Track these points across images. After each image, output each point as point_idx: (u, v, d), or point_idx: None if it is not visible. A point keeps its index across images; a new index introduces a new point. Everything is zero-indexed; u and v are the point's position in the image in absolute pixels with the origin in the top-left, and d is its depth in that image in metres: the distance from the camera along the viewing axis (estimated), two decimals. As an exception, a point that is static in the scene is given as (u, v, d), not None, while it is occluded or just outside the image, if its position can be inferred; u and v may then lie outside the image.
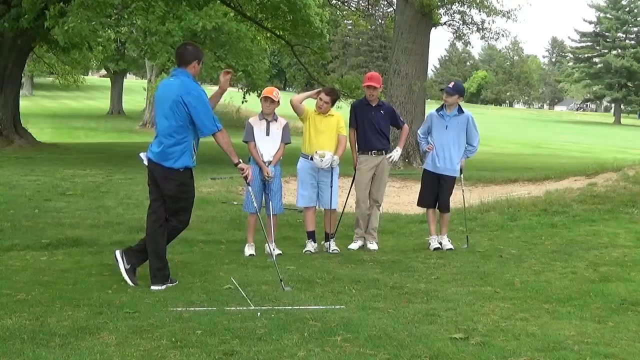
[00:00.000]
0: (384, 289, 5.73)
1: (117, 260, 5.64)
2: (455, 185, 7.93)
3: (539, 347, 4.24)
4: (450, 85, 7.82)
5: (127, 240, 6.97)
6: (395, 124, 7.91)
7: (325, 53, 24.05)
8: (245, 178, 5.88)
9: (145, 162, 5.63)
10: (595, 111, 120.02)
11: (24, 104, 27.75)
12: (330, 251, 7.36)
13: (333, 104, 7.51)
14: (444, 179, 7.71)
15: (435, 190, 7.77)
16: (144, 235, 5.83)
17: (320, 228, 7.62)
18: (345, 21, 33.69)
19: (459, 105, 7.77)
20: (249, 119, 7.50)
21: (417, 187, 12.86)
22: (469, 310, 5.10)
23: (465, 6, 18.93)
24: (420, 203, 8.01)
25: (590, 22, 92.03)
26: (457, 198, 8.38)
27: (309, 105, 7.60)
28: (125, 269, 5.60)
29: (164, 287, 5.51)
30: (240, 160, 5.70)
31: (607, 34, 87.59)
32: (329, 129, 7.41)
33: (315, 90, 7.67)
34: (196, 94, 5.44)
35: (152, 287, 5.48)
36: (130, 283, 5.55)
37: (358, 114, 7.71)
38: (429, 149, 7.75)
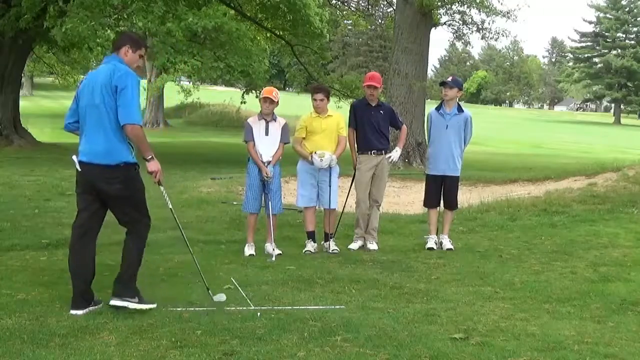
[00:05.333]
0: (384, 289, 5.73)
1: (120, 307, 4.80)
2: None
3: (539, 347, 4.25)
4: (449, 78, 7.84)
5: (122, 240, 6.95)
6: (395, 125, 7.90)
7: (325, 53, 24.03)
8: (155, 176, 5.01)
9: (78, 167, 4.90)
10: (595, 111, 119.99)
11: (24, 104, 27.74)
12: (330, 251, 7.36)
13: (328, 98, 7.50)
14: (448, 179, 7.71)
15: (440, 191, 7.78)
16: None
17: (320, 228, 7.62)
18: (345, 21, 33.69)
19: (459, 103, 7.78)
20: (248, 119, 7.50)
21: (417, 187, 12.95)
22: (469, 310, 5.11)
23: (465, 6, 18.92)
24: (426, 204, 8.02)
25: (590, 22, 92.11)
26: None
27: (305, 112, 7.60)
28: (136, 302, 4.85)
29: (84, 311, 4.79)
30: (153, 156, 4.88)
31: (607, 34, 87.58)
32: (329, 129, 7.41)
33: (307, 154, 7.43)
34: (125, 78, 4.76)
35: (71, 312, 4.77)
36: (150, 306, 4.89)
37: (358, 114, 7.70)
38: None
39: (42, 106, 47.57)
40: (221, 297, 5.20)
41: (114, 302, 4.79)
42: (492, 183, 13.97)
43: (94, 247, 5.00)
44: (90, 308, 4.86)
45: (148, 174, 4.92)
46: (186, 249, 7.17)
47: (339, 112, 7.81)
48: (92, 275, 4.96)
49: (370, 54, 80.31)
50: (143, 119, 40.62)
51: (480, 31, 19.54)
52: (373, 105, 7.70)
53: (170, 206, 5.33)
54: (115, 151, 4.74)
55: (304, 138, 7.44)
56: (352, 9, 27.60)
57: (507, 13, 18.95)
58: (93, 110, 4.77)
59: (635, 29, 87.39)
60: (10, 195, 10.35)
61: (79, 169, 4.87)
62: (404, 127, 8.03)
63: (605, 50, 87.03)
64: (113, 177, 4.77)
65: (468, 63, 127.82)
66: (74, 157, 4.88)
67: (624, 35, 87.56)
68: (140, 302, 4.83)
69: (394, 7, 20.74)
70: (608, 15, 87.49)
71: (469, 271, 6.53)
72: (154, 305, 4.87)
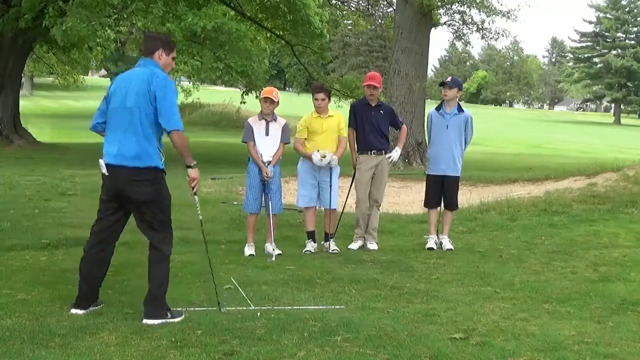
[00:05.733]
0: (384, 289, 5.73)
1: (159, 323, 4.60)
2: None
3: (539, 347, 4.24)
4: (449, 79, 7.84)
5: (127, 241, 6.95)
6: (394, 125, 7.90)
7: (325, 53, 24.03)
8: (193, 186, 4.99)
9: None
10: (595, 111, 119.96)
11: (24, 104, 27.74)
12: (330, 251, 7.36)
13: (329, 98, 7.50)
14: (448, 179, 7.71)
15: (440, 191, 7.77)
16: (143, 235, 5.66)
17: (320, 228, 7.62)
18: (345, 21, 33.65)
19: (459, 103, 7.78)
20: (248, 119, 7.50)
21: (417, 187, 12.94)
22: (469, 310, 5.11)
23: (465, 6, 18.93)
24: (426, 204, 8.01)
25: (590, 22, 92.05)
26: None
27: (305, 112, 7.60)
28: (171, 318, 4.69)
29: (85, 312, 4.78)
30: (195, 163, 4.88)
31: (607, 34, 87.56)
32: (330, 130, 7.41)
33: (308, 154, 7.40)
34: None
35: (72, 311, 4.77)
36: (181, 318, 4.72)
37: (357, 114, 7.70)
38: None
39: (42, 106, 47.59)
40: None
41: (149, 321, 4.60)
42: (492, 183, 13.98)
43: (108, 254, 4.91)
44: (91, 308, 4.84)
45: (188, 180, 4.88)
46: (186, 248, 7.21)
47: (339, 112, 7.80)
48: (100, 281, 4.92)
49: (370, 54, 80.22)
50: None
51: (480, 31, 19.55)
52: (373, 105, 7.70)
53: (200, 217, 5.36)
54: (146, 155, 4.66)
55: (305, 139, 7.43)
56: (352, 9, 27.57)
57: (507, 13, 18.97)
58: (125, 113, 4.67)
59: (635, 29, 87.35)
60: (10, 195, 10.35)
61: (107, 172, 4.74)
62: (404, 127, 8.03)
63: (605, 50, 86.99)
64: (141, 180, 4.65)
65: (468, 63, 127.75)
66: (102, 161, 4.74)
67: (624, 35, 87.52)
68: (173, 316, 4.70)
69: (394, 7, 20.74)
70: (608, 15, 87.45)
71: (469, 271, 6.53)
72: (183, 316, 4.73)
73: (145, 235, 4.81)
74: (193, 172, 4.85)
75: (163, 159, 4.78)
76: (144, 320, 4.62)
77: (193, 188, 4.94)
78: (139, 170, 4.64)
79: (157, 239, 4.77)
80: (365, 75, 8.30)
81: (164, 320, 4.63)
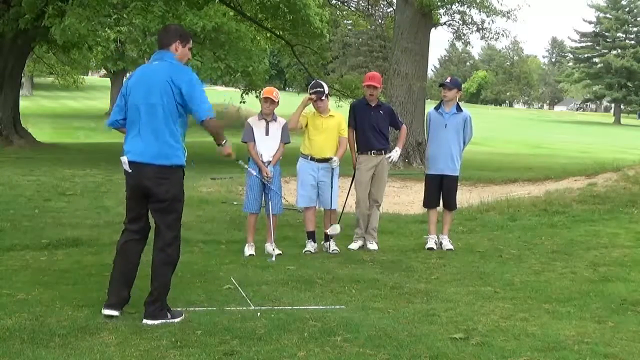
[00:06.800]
0: (384, 289, 5.73)
1: (159, 324, 4.59)
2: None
3: (539, 347, 4.24)
4: (448, 79, 7.84)
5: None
6: (394, 125, 7.90)
7: (325, 53, 24.04)
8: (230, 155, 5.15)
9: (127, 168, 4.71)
10: (595, 111, 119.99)
11: (24, 104, 27.74)
12: (330, 251, 7.36)
13: (327, 97, 7.47)
14: (447, 178, 7.71)
15: (439, 191, 7.78)
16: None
17: (320, 228, 7.62)
18: (345, 21, 33.68)
19: (458, 103, 7.78)
20: (248, 119, 7.50)
21: (417, 187, 12.94)
22: (469, 310, 5.10)
23: (465, 6, 18.93)
24: (425, 204, 8.01)
25: (590, 22, 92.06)
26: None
27: (307, 109, 7.59)
28: (171, 319, 4.67)
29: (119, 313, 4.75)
30: (227, 139, 4.99)
31: (607, 34, 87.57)
32: (330, 130, 7.40)
33: (302, 102, 7.46)
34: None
35: (105, 311, 4.70)
36: (181, 318, 4.70)
37: (357, 114, 7.70)
38: None
39: (42, 106, 47.61)
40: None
41: (150, 322, 4.58)
42: (492, 183, 13.99)
43: (138, 251, 4.85)
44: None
45: (225, 156, 5.08)
46: (186, 248, 7.20)
47: (340, 112, 7.79)
48: (133, 279, 4.86)
49: (370, 54, 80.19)
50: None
51: (480, 31, 19.56)
52: (373, 105, 7.70)
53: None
54: (170, 152, 4.61)
55: (302, 126, 7.41)
56: (352, 9, 27.57)
57: (507, 13, 18.97)
58: (148, 109, 4.61)
59: (635, 29, 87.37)
60: (10, 195, 10.35)
61: (130, 170, 4.67)
62: (404, 127, 8.03)
63: (605, 50, 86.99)
64: (164, 178, 4.61)
65: (468, 63, 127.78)
66: (124, 158, 4.67)
67: (624, 35, 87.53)
68: (173, 317, 4.69)
69: (394, 7, 20.74)
70: (608, 15, 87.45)
71: (469, 271, 6.53)
72: (183, 316, 4.73)
73: (159, 234, 4.74)
74: (227, 149, 5.04)
75: (186, 155, 4.76)
76: (144, 321, 4.61)
77: (233, 157, 5.19)
78: (165, 169, 4.61)
79: (168, 240, 4.72)
80: (365, 75, 8.29)
81: (163, 321, 4.62)
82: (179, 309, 4.84)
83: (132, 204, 4.80)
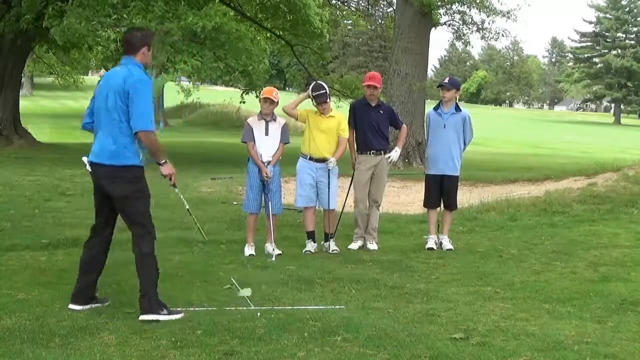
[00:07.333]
0: (384, 289, 5.73)
1: (153, 319, 4.68)
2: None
3: (539, 347, 4.25)
4: (447, 80, 7.84)
5: (128, 240, 6.97)
6: (394, 124, 7.90)
7: (325, 53, 24.03)
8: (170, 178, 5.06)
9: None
10: (595, 111, 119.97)
11: (24, 104, 27.74)
12: (330, 251, 7.36)
13: (329, 97, 7.46)
14: (447, 178, 7.71)
15: (440, 191, 7.77)
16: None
17: (320, 228, 7.62)
18: (345, 21, 33.65)
19: (456, 103, 7.78)
20: (248, 119, 7.50)
21: (417, 187, 12.94)
22: (469, 310, 5.11)
23: (465, 6, 18.92)
24: (426, 204, 8.01)
25: (590, 22, 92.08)
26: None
27: (307, 106, 7.59)
28: (166, 314, 4.74)
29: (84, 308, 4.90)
30: (166, 160, 5.00)
31: (607, 34, 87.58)
32: (330, 130, 7.39)
33: (305, 94, 7.54)
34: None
35: (70, 306, 4.89)
36: (178, 316, 4.76)
37: (357, 114, 7.70)
38: None
39: (42, 106, 47.60)
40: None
41: (144, 317, 4.69)
42: (492, 183, 13.98)
43: (104, 247, 5.05)
44: (93, 305, 4.90)
45: (162, 177, 4.99)
46: (186, 248, 7.22)
47: (340, 112, 7.78)
48: (96, 273, 5.02)
49: (370, 54, 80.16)
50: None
51: (480, 31, 19.55)
52: (373, 105, 7.70)
53: (187, 206, 5.63)
54: (122, 154, 4.76)
55: (298, 117, 7.44)
56: (352, 9, 27.56)
57: (507, 13, 18.96)
58: (106, 113, 4.80)
59: (635, 29, 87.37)
60: (10, 195, 10.35)
61: (89, 169, 4.92)
62: (404, 126, 8.02)
63: (605, 50, 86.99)
64: (117, 177, 4.78)
65: (468, 63, 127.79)
66: (84, 158, 4.92)
67: (624, 35, 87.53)
68: (169, 313, 4.76)
69: (394, 7, 20.74)
70: (608, 15, 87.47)
71: (469, 271, 6.53)
72: (182, 315, 4.77)
73: (130, 231, 4.92)
74: (165, 169, 4.98)
75: (143, 157, 4.86)
76: (140, 317, 4.69)
77: (171, 180, 5.06)
78: (117, 169, 4.77)
79: (138, 235, 4.87)
80: (365, 75, 8.28)
81: (157, 316, 4.68)
82: (179, 309, 4.85)
83: (95, 201, 5.04)
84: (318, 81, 7.89)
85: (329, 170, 7.36)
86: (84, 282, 4.95)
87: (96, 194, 4.99)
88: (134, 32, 5.12)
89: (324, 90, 7.35)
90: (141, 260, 4.85)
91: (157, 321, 4.65)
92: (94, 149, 4.87)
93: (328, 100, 7.36)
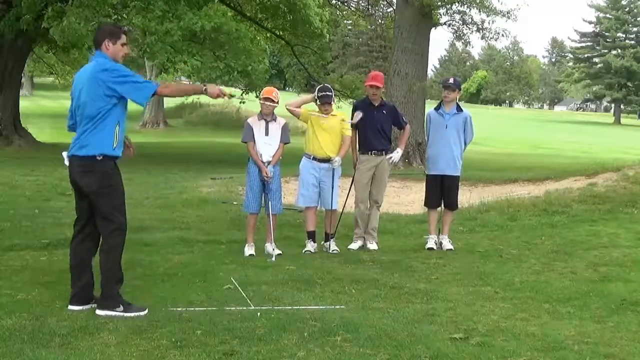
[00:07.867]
0: (384, 289, 5.73)
1: (105, 315, 4.72)
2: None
3: (539, 347, 4.25)
4: (451, 80, 7.82)
5: (128, 240, 6.97)
6: (398, 124, 7.90)
7: (325, 53, 24.03)
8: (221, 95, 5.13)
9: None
10: (595, 111, 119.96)
11: (24, 104, 27.73)
12: (330, 251, 7.36)
13: (333, 101, 7.49)
14: (448, 178, 7.71)
15: (440, 191, 7.77)
16: (144, 234, 5.71)
17: (320, 228, 7.62)
18: (345, 21, 33.65)
19: (458, 103, 7.78)
20: (248, 119, 7.50)
21: (417, 187, 12.94)
22: (469, 310, 5.11)
23: (465, 6, 18.91)
24: (426, 204, 8.01)
25: (590, 22, 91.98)
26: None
27: (310, 107, 7.60)
28: (121, 312, 4.76)
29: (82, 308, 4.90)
30: (204, 85, 5.07)
31: (607, 34, 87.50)
32: (333, 129, 7.40)
33: (311, 96, 7.58)
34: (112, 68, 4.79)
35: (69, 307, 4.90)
36: (138, 314, 4.76)
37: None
38: None
39: (42, 106, 47.56)
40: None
41: (98, 312, 4.76)
42: (492, 183, 13.96)
43: (91, 245, 4.98)
44: (92, 306, 4.87)
45: (216, 98, 5.07)
46: (186, 248, 7.22)
47: (343, 111, 7.79)
48: (88, 273, 4.96)
49: (370, 54, 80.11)
50: (142, 119, 40.01)
51: (480, 31, 19.51)
52: (375, 104, 7.70)
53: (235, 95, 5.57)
54: (91, 143, 4.74)
55: (299, 116, 7.45)
56: (352, 9, 27.58)
57: (507, 13, 18.93)
58: (82, 109, 4.81)
59: (635, 29, 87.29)
60: (10, 195, 10.35)
61: (67, 163, 4.92)
62: (407, 126, 8.02)
63: (605, 50, 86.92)
64: (86, 170, 4.76)
65: (468, 63, 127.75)
66: (64, 153, 4.92)
67: (624, 35, 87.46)
68: (125, 310, 4.75)
69: (394, 7, 20.74)
70: (608, 15, 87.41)
71: (469, 271, 6.53)
72: (144, 312, 4.77)
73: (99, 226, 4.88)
74: (211, 93, 5.00)
75: (117, 147, 4.81)
76: (96, 311, 4.73)
77: (224, 95, 5.14)
78: (84, 160, 4.74)
79: (105, 230, 4.84)
80: (368, 75, 8.27)
81: (112, 313, 4.70)
82: (141, 306, 4.84)
83: (75, 200, 5.00)
84: (326, 84, 7.92)
85: (332, 170, 7.36)
86: (79, 285, 4.92)
87: (74, 189, 4.96)
88: (100, 27, 5.26)
89: (330, 93, 7.40)
90: (104, 253, 4.84)
91: (113, 317, 4.66)
92: (71, 144, 4.88)
93: (332, 103, 7.40)
